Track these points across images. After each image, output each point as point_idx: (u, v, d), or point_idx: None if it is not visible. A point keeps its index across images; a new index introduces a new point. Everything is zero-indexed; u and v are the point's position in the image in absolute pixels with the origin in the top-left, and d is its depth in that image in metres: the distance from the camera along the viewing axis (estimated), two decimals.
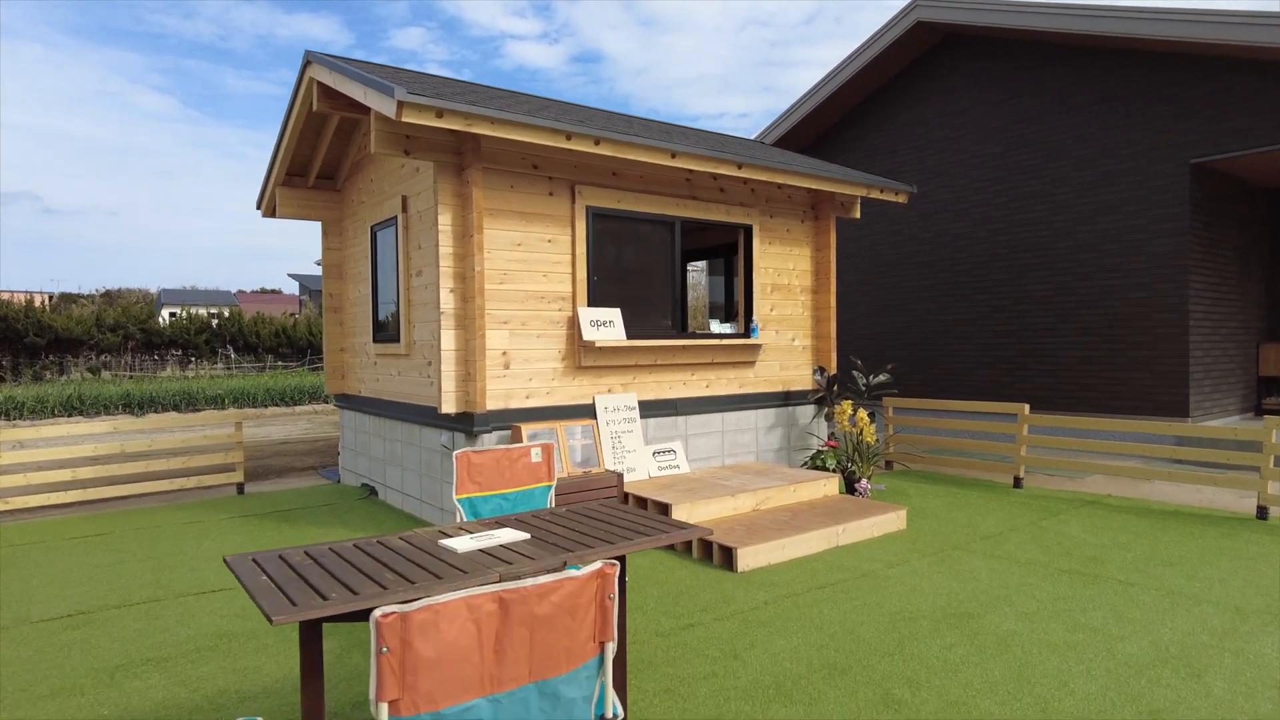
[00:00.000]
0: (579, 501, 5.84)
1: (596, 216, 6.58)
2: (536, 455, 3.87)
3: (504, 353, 6.09)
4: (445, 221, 5.86)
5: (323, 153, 7.95)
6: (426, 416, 6.46)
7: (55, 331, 32.49)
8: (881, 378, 7.67)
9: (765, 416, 7.76)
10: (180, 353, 36.40)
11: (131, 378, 31.80)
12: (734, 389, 7.53)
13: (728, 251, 9.52)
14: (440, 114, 5.23)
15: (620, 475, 6.07)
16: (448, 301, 5.87)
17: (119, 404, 17.19)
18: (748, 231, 7.64)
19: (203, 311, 41.39)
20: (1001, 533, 6.12)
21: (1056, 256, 10.20)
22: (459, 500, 3.63)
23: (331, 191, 8.57)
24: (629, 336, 6.70)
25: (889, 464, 9.11)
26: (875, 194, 8.03)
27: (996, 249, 10.87)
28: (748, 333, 7.58)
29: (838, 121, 13.08)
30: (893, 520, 6.16)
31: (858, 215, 8.62)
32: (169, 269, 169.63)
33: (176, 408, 18.03)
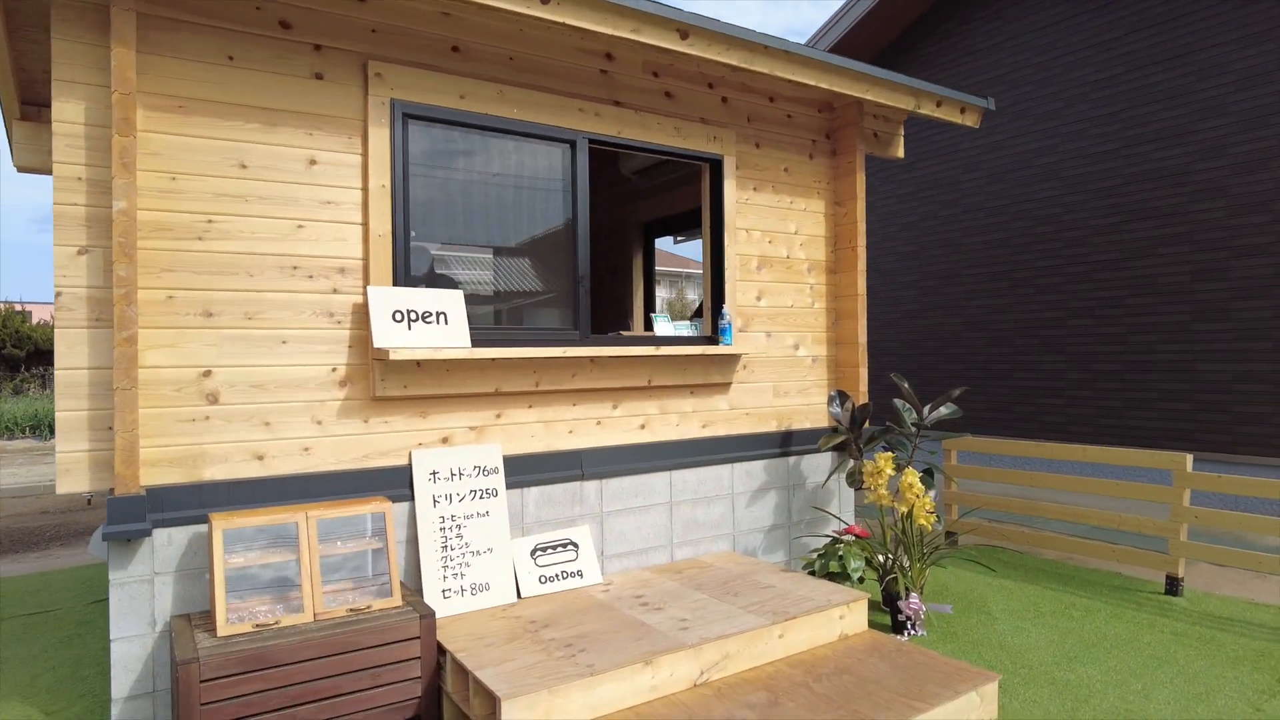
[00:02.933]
0: (313, 680, 2.86)
1: (415, 122, 3.62)
2: None
3: (205, 373, 3.15)
4: (68, 116, 2.95)
5: None
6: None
7: (35, 343, 30.75)
8: (943, 411, 4.55)
9: (748, 474, 4.70)
10: None
11: None
12: (692, 429, 4.49)
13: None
14: None
15: (426, 616, 3.07)
16: (71, 273, 2.96)
17: (26, 425, 14.74)
18: (715, 168, 4.61)
19: None
20: None
21: (1199, 224, 6.93)
22: None
23: None
24: (481, 341, 3.72)
25: (951, 536, 5.95)
26: (928, 109, 4.93)
27: (1101, 218, 7.63)
28: (715, 335, 4.53)
29: (872, 59, 9.95)
30: (968, 709, 3.06)
31: (900, 153, 5.52)
32: None
33: None
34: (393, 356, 3.27)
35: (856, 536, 4.19)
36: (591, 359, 4.04)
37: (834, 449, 4.99)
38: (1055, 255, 8.03)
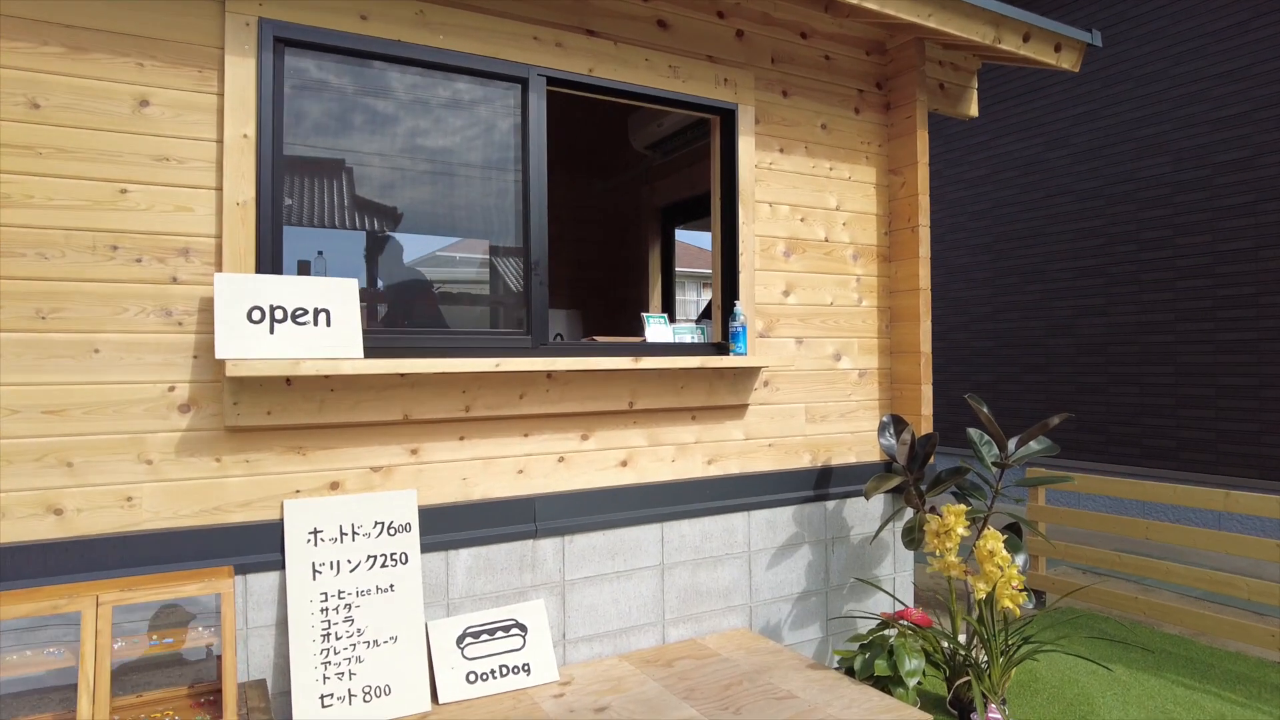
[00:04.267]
0: None
1: (295, 50, 2.66)
2: None
3: None
4: None
5: None
6: None
7: None
8: (1033, 445, 3.37)
9: (770, 525, 3.59)
10: None
11: None
12: (693, 466, 3.41)
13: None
14: None
15: None
16: None
17: None
18: (727, 120, 3.53)
19: None
20: None
21: None
22: None
23: None
24: (379, 349, 2.73)
25: (1039, 597, 4.73)
26: (1011, 44, 3.75)
27: (1220, 198, 6.25)
28: (726, 341, 3.45)
29: None
30: None
31: (973, 110, 4.34)
32: None
33: None
34: (231, 372, 2.30)
35: (917, 626, 3.03)
36: (548, 374, 3.01)
37: (893, 491, 3.84)
38: (1163, 245, 6.66)
